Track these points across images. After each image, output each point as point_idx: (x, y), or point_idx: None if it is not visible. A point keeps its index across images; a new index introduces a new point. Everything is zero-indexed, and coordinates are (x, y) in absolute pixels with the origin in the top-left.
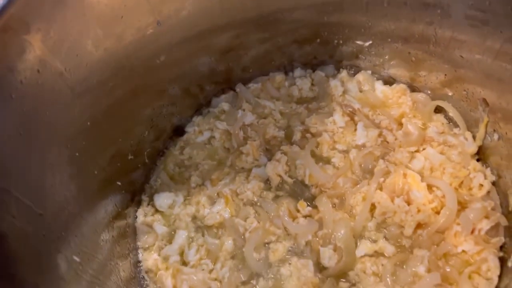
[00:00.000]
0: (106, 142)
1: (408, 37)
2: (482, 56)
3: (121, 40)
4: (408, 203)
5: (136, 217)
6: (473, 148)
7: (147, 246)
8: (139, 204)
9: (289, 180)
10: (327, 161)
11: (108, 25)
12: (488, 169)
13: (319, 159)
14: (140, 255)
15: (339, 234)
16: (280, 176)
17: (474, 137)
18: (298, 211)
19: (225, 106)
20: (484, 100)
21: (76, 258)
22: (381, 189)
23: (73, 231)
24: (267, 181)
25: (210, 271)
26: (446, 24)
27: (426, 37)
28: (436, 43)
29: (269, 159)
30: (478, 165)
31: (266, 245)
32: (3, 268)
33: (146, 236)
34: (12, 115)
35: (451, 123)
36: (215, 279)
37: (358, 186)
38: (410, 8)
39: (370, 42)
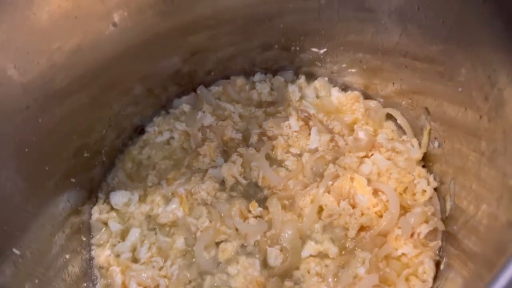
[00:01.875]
0: (59, 139)
1: (358, 46)
2: (422, 65)
3: (75, 40)
4: (353, 206)
5: (91, 214)
6: (418, 154)
7: (100, 242)
8: (95, 201)
9: (243, 182)
10: (281, 163)
11: (60, 25)
12: (432, 175)
13: (273, 161)
14: (93, 252)
15: (286, 234)
16: (234, 177)
17: (420, 144)
18: (249, 211)
19: (186, 107)
20: (426, 108)
21: (16, 251)
22: (329, 192)
23: (16, 226)
24: (222, 182)
25: (160, 268)
26: (390, 34)
27: (374, 47)
28: (383, 52)
29: (226, 161)
30: (423, 171)
31: (217, 244)
32: None
33: (100, 233)
34: None
35: (400, 130)
36: (164, 276)
37: (307, 188)
38: (360, 17)
39: (325, 50)
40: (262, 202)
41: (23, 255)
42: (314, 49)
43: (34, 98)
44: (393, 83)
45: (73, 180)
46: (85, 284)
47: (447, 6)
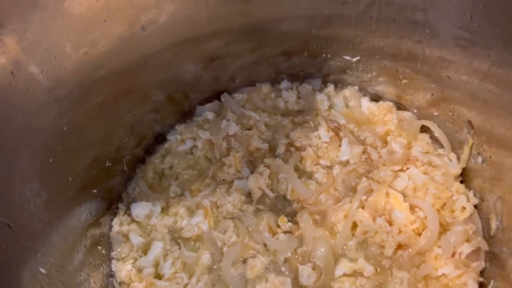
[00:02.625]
0: (82, 148)
1: (396, 54)
2: (469, 78)
3: (103, 44)
4: (390, 223)
5: (112, 226)
6: (457, 169)
7: (121, 256)
8: (115, 213)
9: (271, 194)
10: (310, 176)
11: (89, 29)
12: (471, 191)
13: (302, 173)
14: (113, 266)
15: (318, 252)
16: (262, 189)
17: (458, 159)
18: (278, 226)
19: (209, 115)
20: (470, 122)
21: (42, 270)
22: (363, 207)
23: (41, 241)
24: (248, 194)
25: (185, 286)
26: (434, 43)
27: (414, 56)
28: (423, 62)
29: (252, 172)
30: (462, 187)
31: (244, 260)
32: None
33: (121, 246)
34: None
35: (436, 143)
36: None
37: (340, 203)
38: (399, 25)
39: (358, 57)
40: (291, 217)
41: (49, 274)
42: (346, 57)
43: (59, 104)
44: (432, 94)
45: (95, 191)
46: None
47: (506, 14)
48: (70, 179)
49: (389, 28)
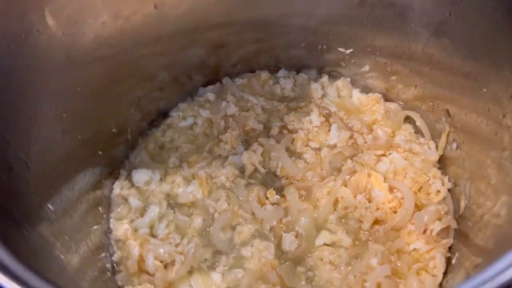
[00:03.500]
0: (92, 110)
1: (385, 48)
2: (448, 68)
3: (119, 16)
4: (369, 200)
5: (113, 189)
6: (434, 156)
7: (119, 217)
8: (117, 177)
9: (262, 170)
10: (299, 156)
11: (109, 1)
12: (447, 177)
13: (292, 153)
14: (111, 225)
15: (301, 222)
16: (254, 165)
17: (437, 147)
18: (267, 198)
19: (211, 96)
20: (447, 111)
21: (50, 206)
22: (346, 185)
23: (51, 183)
24: (241, 168)
25: (177, 245)
26: (418, 38)
27: (401, 50)
28: (409, 56)
29: (246, 149)
30: (438, 172)
31: (233, 227)
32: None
33: (120, 208)
34: (9, 65)
35: (418, 133)
36: (180, 253)
37: (325, 180)
38: (387, 21)
39: (351, 50)
40: (279, 191)
41: (56, 212)
42: (340, 49)
43: (75, 66)
44: (416, 86)
45: (100, 153)
46: (104, 255)
47: (480, 10)
48: (79, 137)
49: (379, 24)
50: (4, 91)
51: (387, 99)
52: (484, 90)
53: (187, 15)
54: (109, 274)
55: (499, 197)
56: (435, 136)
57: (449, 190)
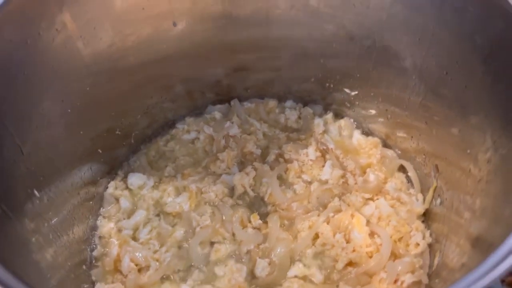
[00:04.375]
0: (99, 111)
1: (387, 95)
2: (440, 124)
3: (137, 28)
4: (348, 241)
5: (107, 188)
6: (420, 208)
7: (107, 215)
8: (113, 177)
9: (251, 193)
10: (290, 186)
11: (128, 11)
12: (429, 231)
13: (283, 182)
14: (98, 221)
15: (278, 250)
16: (244, 187)
17: (424, 200)
18: (249, 221)
19: (217, 115)
20: (436, 166)
21: (36, 193)
22: (328, 222)
23: (43, 171)
24: (232, 189)
25: (155, 252)
26: (417, 90)
27: (401, 99)
28: (408, 106)
29: (240, 171)
30: (421, 225)
31: (212, 243)
32: None
33: (110, 206)
34: (23, 57)
35: (409, 183)
36: (157, 260)
37: (309, 214)
38: (391, 69)
39: (356, 92)
40: (264, 217)
41: (41, 198)
42: (346, 90)
43: (88, 69)
44: (412, 137)
45: (100, 151)
46: (84, 247)
47: (472, 72)
48: (81, 132)
49: (383, 70)
50: (14, 78)
51: (385, 145)
52: (468, 151)
53: (206, 33)
54: (84, 267)
55: (462, 258)
56: (424, 189)
57: (429, 245)
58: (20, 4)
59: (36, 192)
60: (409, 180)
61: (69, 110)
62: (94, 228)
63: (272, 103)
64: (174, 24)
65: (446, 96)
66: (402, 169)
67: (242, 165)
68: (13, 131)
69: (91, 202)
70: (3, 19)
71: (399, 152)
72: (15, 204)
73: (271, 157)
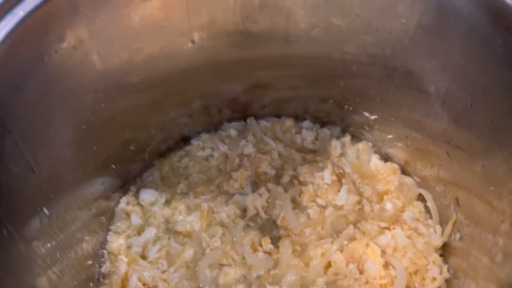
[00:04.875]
0: (113, 127)
1: (408, 121)
2: (463, 157)
3: (155, 45)
4: (361, 272)
5: (119, 203)
6: (438, 241)
7: (118, 231)
8: (125, 192)
9: (263, 216)
10: (304, 210)
11: (146, 29)
12: (446, 266)
13: (297, 205)
14: (109, 237)
15: (288, 278)
16: (257, 209)
17: (442, 233)
18: (260, 245)
19: (233, 132)
20: (457, 199)
21: (46, 210)
22: (341, 251)
23: (53, 189)
24: (244, 210)
25: (163, 272)
26: (439, 118)
27: (422, 127)
28: (429, 134)
29: (253, 191)
30: (439, 259)
31: (221, 266)
32: None
33: (121, 222)
34: (39, 73)
35: (427, 213)
36: (164, 280)
37: (322, 241)
38: (413, 94)
39: (376, 117)
40: (275, 241)
41: (50, 216)
42: (365, 113)
43: (105, 85)
44: (432, 166)
45: (113, 166)
46: (91, 262)
47: (498, 106)
48: (95, 148)
49: (405, 96)
50: (28, 95)
51: (404, 172)
52: (491, 188)
53: (223, 52)
54: (92, 284)
55: None
56: (443, 221)
57: (446, 280)
58: (38, 21)
59: (45, 210)
60: (427, 210)
61: (83, 126)
62: (104, 243)
63: (289, 122)
64: (192, 42)
65: (470, 128)
66: (420, 198)
67: (255, 185)
68: (24, 148)
69: (102, 217)
70: (20, 36)
71: (418, 180)
72: (21, 224)
73: (286, 179)
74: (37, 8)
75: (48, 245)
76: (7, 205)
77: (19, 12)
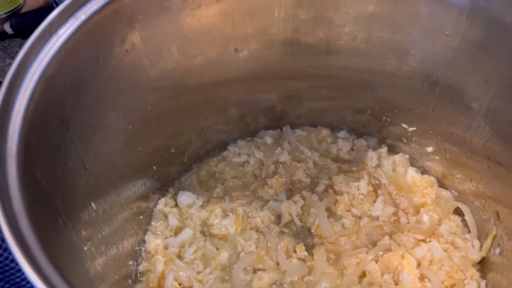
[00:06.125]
0: (158, 129)
1: (447, 134)
2: (504, 171)
3: (201, 51)
4: (396, 283)
5: (157, 204)
6: (476, 256)
7: (156, 231)
8: (164, 194)
9: (298, 223)
10: (338, 219)
11: (194, 36)
12: (484, 281)
13: (332, 214)
14: (146, 236)
15: (323, 285)
16: (291, 216)
17: (481, 247)
18: (295, 251)
19: (269, 140)
20: (497, 213)
21: (93, 205)
22: (376, 261)
23: (100, 185)
24: (278, 216)
25: (198, 273)
26: (481, 133)
27: (463, 140)
28: (470, 148)
29: (288, 198)
30: (476, 274)
31: (255, 270)
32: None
33: (158, 223)
34: (93, 75)
35: (465, 227)
36: (200, 281)
37: (357, 250)
38: (454, 108)
39: (414, 128)
40: (309, 248)
41: (97, 211)
42: (404, 125)
43: (152, 88)
44: (471, 180)
45: (155, 168)
46: (131, 262)
47: None
48: (139, 149)
49: (446, 109)
50: (84, 94)
51: (441, 185)
52: None
53: (264, 60)
54: (130, 281)
55: None
56: (481, 235)
57: None
58: (97, 26)
59: (93, 205)
60: (465, 224)
61: (130, 127)
62: (142, 243)
63: (325, 132)
64: (236, 51)
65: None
66: (458, 211)
67: (290, 192)
68: (78, 144)
69: (141, 217)
70: (80, 39)
71: (456, 193)
72: (73, 216)
73: (321, 187)
74: (97, 12)
75: (95, 238)
76: (62, 197)
77: (81, 16)
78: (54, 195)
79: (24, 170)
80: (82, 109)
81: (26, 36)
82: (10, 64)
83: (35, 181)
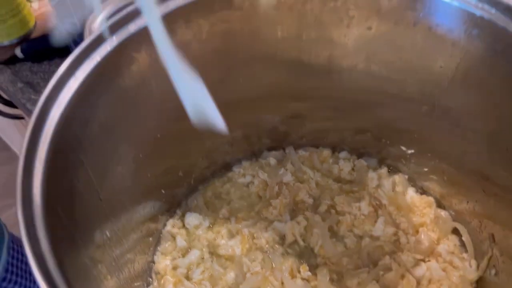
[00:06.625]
0: (166, 155)
1: (445, 157)
2: (500, 194)
3: (207, 76)
4: None
5: (165, 225)
6: (473, 275)
7: (164, 252)
8: (172, 215)
9: (301, 243)
10: (341, 239)
11: (202, 58)
12: None
13: (334, 235)
14: (156, 257)
15: None
16: (295, 236)
17: (478, 266)
18: (298, 272)
19: (272, 161)
20: (492, 235)
21: (107, 233)
22: (377, 281)
23: (114, 213)
24: (282, 236)
25: None
26: (476, 157)
27: (460, 163)
28: (467, 171)
29: (291, 219)
30: None
31: None
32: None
33: (167, 244)
34: (107, 109)
35: (462, 247)
36: None
37: (359, 270)
38: (451, 132)
39: (413, 151)
40: (313, 268)
41: (110, 238)
42: (402, 147)
43: (161, 115)
44: (468, 202)
45: (163, 191)
46: (140, 283)
47: None
48: (149, 175)
49: (444, 132)
50: (96, 131)
51: (439, 205)
52: None
53: (271, 82)
54: None
55: None
56: (478, 256)
57: None
58: (110, 64)
59: (107, 232)
60: (462, 244)
61: (140, 155)
62: (151, 263)
63: (326, 152)
64: (239, 73)
65: (507, 168)
66: (456, 231)
67: (293, 213)
68: (94, 178)
69: (150, 238)
70: (95, 80)
71: (453, 213)
72: (89, 244)
73: (323, 208)
74: (110, 53)
75: (105, 259)
76: (81, 230)
77: (96, 57)
78: (74, 230)
79: (48, 210)
80: (96, 144)
81: (35, 61)
82: (21, 88)
83: (58, 219)
